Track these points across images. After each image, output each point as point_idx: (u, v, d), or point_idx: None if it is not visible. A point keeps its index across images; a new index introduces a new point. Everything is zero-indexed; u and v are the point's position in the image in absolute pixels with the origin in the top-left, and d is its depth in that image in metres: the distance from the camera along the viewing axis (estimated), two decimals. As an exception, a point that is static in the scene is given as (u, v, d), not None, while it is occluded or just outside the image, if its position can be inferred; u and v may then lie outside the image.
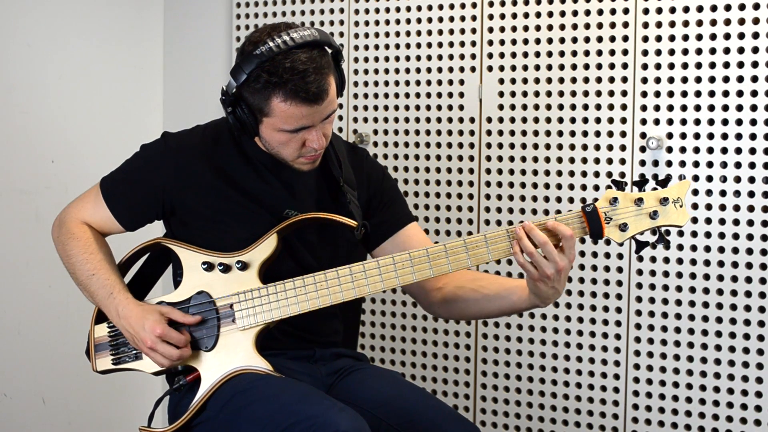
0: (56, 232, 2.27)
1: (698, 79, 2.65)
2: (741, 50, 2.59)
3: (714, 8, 2.62)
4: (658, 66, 2.70)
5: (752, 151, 2.59)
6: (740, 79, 2.60)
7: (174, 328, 2.11)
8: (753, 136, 2.59)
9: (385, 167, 2.41)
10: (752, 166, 2.60)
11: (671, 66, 2.69)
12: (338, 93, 2.11)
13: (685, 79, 2.67)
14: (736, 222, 2.62)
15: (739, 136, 2.61)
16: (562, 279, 2.02)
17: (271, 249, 2.12)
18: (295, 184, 2.21)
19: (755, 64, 2.58)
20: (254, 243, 2.13)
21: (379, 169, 2.36)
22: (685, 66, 2.67)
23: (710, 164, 2.65)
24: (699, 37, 2.64)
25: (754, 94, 2.58)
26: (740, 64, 2.60)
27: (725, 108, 2.62)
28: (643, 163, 2.73)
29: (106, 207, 2.23)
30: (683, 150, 2.68)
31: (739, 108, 2.60)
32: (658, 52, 2.70)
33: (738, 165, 2.61)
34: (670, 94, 2.69)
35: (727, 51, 2.61)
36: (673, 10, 2.67)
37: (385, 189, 2.33)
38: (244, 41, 2.07)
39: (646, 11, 2.71)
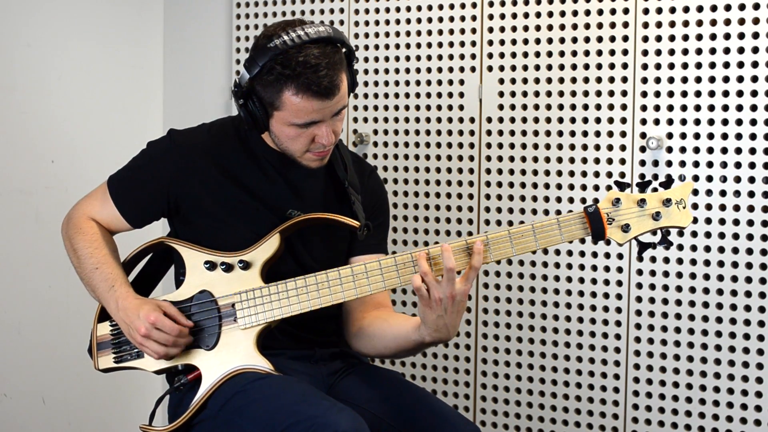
0: (64, 228, 2.29)
1: (698, 79, 2.65)
2: (741, 50, 2.59)
3: (714, 8, 2.62)
4: (658, 66, 2.70)
5: (752, 151, 2.59)
6: (740, 79, 2.60)
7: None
8: (753, 136, 2.59)
9: (386, 186, 2.41)
10: (752, 166, 2.60)
11: (671, 66, 2.69)
12: (349, 91, 2.12)
13: (685, 79, 2.67)
14: (736, 222, 2.62)
15: (739, 136, 2.61)
16: (453, 313, 1.99)
17: (273, 249, 2.12)
18: (300, 185, 2.22)
19: (755, 64, 2.58)
20: (257, 242, 2.13)
21: (379, 189, 2.37)
22: (685, 66, 2.67)
23: (710, 164, 2.65)
24: (699, 37, 2.65)
25: (754, 94, 2.58)
26: (740, 64, 2.60)
27: (725, 108, 2.62)
28: (643, 163, 2.73)
29: (113, 205, 2.24)
30: (683, 150, 2.68)
31: (739, 108, 2.60)
32: (658, 52, 2.70)
33: (738, 165, 2.61)
34: (670, 94, 2.69)
35: (727, 51, 2.61)
36: (673, 10, 2.67)
37: (379, 212, 2.34)
38: (259, 35, 2.08)
39: (646, 11, 2.71)
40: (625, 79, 2.75)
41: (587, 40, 2.80)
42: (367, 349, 2.26)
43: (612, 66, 2.77)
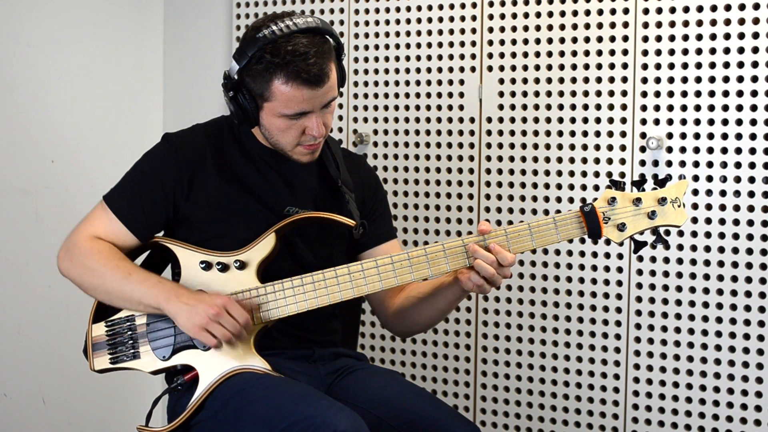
0: (67, 258, 2.18)
1: (698, 79, 2.65)
2: (741, 50, 2.59)
3: (714, 8, 2.62)
4: (658, 66, 2.70)
5: (752, 151, 2.59)
6: (740, 79, 2.59)
7: None
8: (753, 136, 2.59)
9: (379, 176, 2.42)
10: (752, 166, 2.59)
11: (671, 66, 2.68)
12: (339, 85, 2.12)
13: (685, 79, 2.67)
14: (736, 222, 2.62)
15: (739, 136, 2.60)
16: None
17: (269, 248, 2.12)
18: (296, 182, 2.21)
19: (755, 64, 2.58)
20: (252, 242, 2.13)
21: (373, 177, 2.37)
22: (685, 66, 2.67)
23: (710, 164, 2.65)
24: (699, 37, 2.64)
25: (754, 94, 2.58)
26: (740, 64, 2.59)
27: (725, 108, 2.62)
28: (643, 163, 2.73)
29: (118, 221, 2.17)
30: (683, 150, 2.68)
31: (739, 108, 2.60)
32: (658, 52, 2.70)
33: (738, 165, 2.61)
34: (670, 94, 2.69)
35: (727, 51, 2.61)
36: (673, 10, 2.67)
37: (377, 199, 2.35)
38: (247, 28, 2.09)
39: (646, 11, 2.71)
40: (625, 79, 2.75)
41: (587, 40, 2.80)
42: (411, 327, 2.29)
43: (612, 66, 2.76)
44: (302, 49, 2.01)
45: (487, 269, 2.01)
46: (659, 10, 2.69)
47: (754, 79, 2.58)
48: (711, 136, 2.64)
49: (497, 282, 2.04)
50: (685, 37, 2.66)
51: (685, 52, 2.66)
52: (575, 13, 2.81)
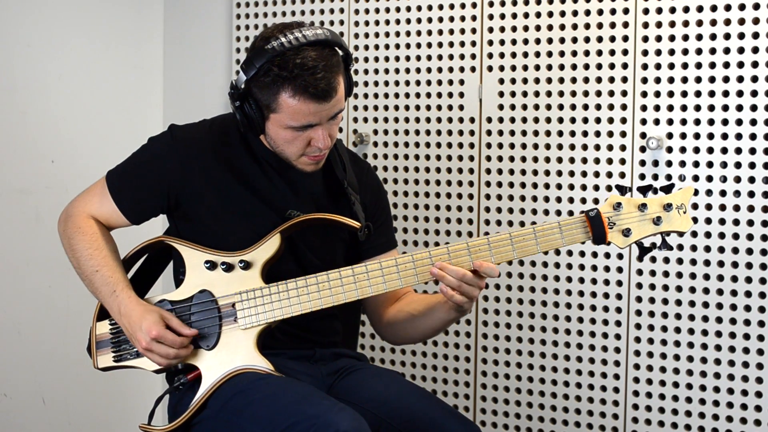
0: (62, 225, 2.26)
1: (698, 79, 2.65)
2: (741, 50, 2.59)
3: (714, 8, 2.62)
4: (658, 66, 2.71)
5: (752, 151, 2.59)
6: (740, 79, 2.60)
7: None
8: (753, 136, 2.59)
9: (383, 183, 2.43)
10: (752, 166, 2.60)
11: (671, 66, 2.69)
12: (346, 95, 2.12)
13: (685, 79, 2.67)
14: (736, 222, 2.62)
15: (739, 136, 2.61)
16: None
17: (274, 249, 2.12)
18: (300, 185, 2.22)
19: (755, 64, 2.58)
20: (257, 242, 2.13)
21: (378, 186, 2.38)
22: (685, 66, 2.67)
23: (710, 164, 2.65)
24: (699, 37, 2.65)
25: (754, 94, 2.59)
26: (740, 64, 2.60)
27: (725, 108, 2.62)
28: (643, 163, 2.73)
29: (112, 200, 2.23)
30: (683, 150, 2.68)
31: (739, 108, 2.60)
32: (658, 52, 2.70)
33: (738, 165, 2.61)
34: (670, 94, 2.69)
35: (727, 51, 2.61)
36: (673, 10, 2.68)
37: (380, 208, 2.35)
38: (256, 37, 2.08)
39: (646, 11, 2.71)
40: (625, 79, 2.75)
41: (587, 40, 2.80)
42: (403, 339, 2.31)
43: (612, 66, 2.77)
44: (310, 63, 2.01)
45: (451, 281, 2.03)
46: (659, 10, 2.69)
47: (754, 79, 2.58)
48: (711, 136, 2.65)
49: (469, 293, 2.04)
50: (685, 37, 2.66)
51: (685, 52, 2.67)
52: (575, 13, 2.81)
